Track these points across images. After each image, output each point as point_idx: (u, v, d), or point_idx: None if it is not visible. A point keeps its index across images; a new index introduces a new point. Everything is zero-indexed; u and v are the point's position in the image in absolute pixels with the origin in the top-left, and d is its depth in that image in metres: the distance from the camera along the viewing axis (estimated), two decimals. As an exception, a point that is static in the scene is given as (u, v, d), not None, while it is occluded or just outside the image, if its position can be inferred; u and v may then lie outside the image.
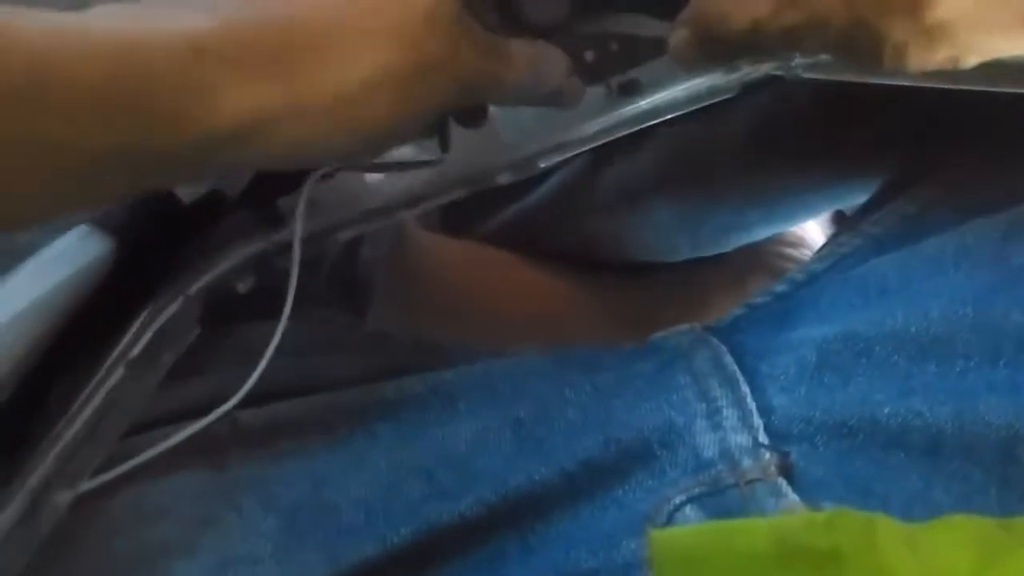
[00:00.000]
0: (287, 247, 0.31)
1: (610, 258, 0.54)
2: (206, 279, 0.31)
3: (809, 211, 0.52)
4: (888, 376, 0.28)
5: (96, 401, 0.29)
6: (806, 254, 0.55)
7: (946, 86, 0.28)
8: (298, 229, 0.31)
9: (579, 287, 0.53)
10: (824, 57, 0.31)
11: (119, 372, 0.29)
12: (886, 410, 0.27)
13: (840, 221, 0.55)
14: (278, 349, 0.33)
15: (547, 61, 0.30)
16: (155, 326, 0.29)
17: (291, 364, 0.33)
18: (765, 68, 0.33)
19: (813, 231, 0.57)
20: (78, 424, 0.28)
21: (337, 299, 0.43)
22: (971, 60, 0.23)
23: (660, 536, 0.23)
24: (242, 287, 0.32)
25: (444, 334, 0.48)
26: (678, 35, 0.30)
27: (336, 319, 0.36)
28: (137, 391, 0.30)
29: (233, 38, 0.21)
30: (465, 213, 0.54)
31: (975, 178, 0.34)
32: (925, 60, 0.23)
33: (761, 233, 0.52)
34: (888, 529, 0.23)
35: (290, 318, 0.36)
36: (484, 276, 0.52)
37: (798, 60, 0.33)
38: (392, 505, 0.30)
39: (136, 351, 0.30)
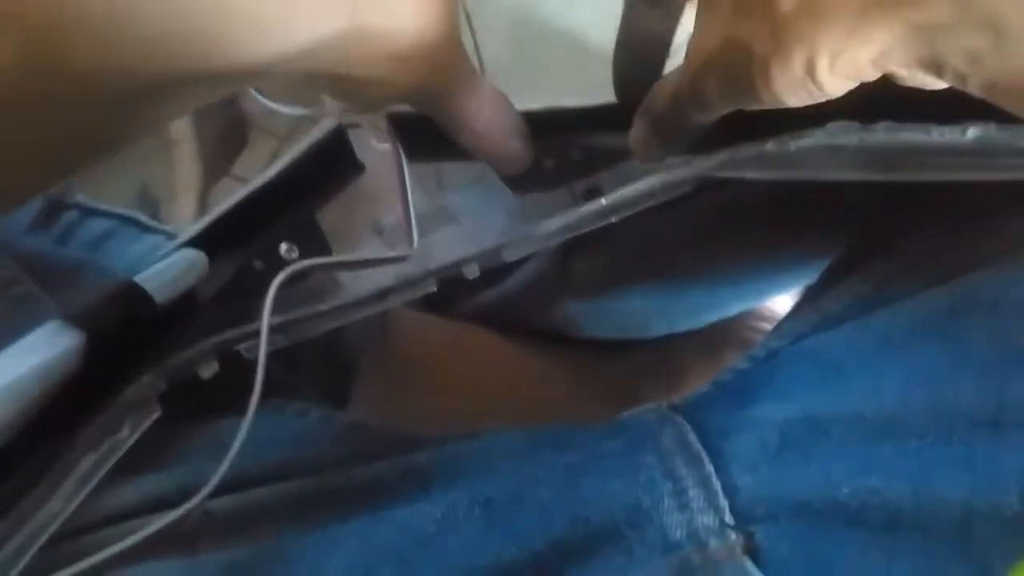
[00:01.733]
0: (254, 336, 0.32)
1: (586, 336, 0.55)
2: (170, 361, 0.31)
3: (778, 289, 0.53)
4: (847, 456, 0.28)
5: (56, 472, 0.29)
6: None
7: (888, 179, 0.29)
8: (265, 316, 0.32)
9: (557, 364, 0.54)
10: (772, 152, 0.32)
11: (76, 447, 0.30)
12: (845, 489, 0.27)
13: (810, 287, 0.56)
14: (251, 441, 0.34)
15: (508, 112, 0.31)
16: (116, 403, 0.30)
17: (265, 456, 0.34)
18: (713, 165, 0.34)
19: (784, 306, 0.58)
20: (31, 496, 0.29)
21: (320, 387, 0.43)
22: (824, 66, 0.23)
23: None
24: (205, 373, 0.33)
25: (429, 414, 0.48)
26: (633, 127, 0.31)
27: (312, 411, 0.37)
28: (94, 465, 0.30)
29: None
30: (447, 295, 0.55)
31: (926, 252, 0.34)
32: (786, 73, 0.23)
33: (733, 310, 0.53)
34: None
35: (262, 411, 0.37)
36: (467, 350, 0.53)
37: (749, 154, 0.34)
38: None
39: (94, 426, 0.30)
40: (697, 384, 0.53)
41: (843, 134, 0.28)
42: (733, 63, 0.24)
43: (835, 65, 0.23)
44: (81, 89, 0.20)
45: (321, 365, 0.45)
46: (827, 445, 0.29)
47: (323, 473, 0.33)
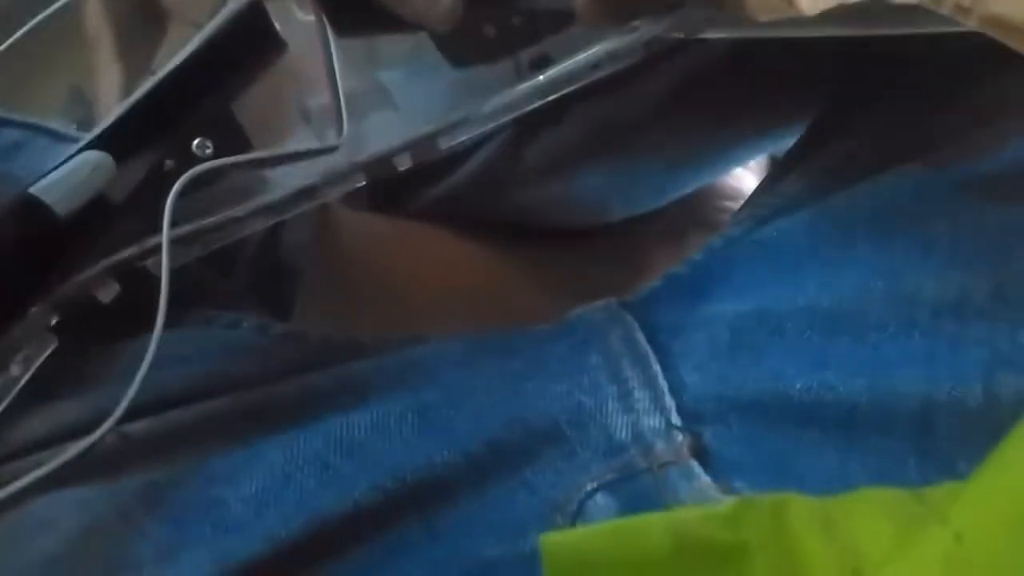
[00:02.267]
0: (157, 250, 0.30)
1: (543, 225, 0.53)
2: (62, 290, 0.29)
3: (739, 161, 0.51)
4: (801, 352, 0.27)
5: None
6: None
7: (848, 33, 0.27)
8: (165, 228, 0.29)
9: (513, 257, 0.52)
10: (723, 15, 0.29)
11: None
12: (798, 385, 0.26)
13: (773, 167, 0.54)
14: (173, 358, 0.32)
15: None
16: (3, 340, 0.28)
17: (189, 372, 0.32)
18: (662, 28, 0.31)
19: (749, 181, 0.56)
20: None
21: (257, 294, 0.41)
22: None
23: (551, 540, 0.22)
24: (104, 297, 0.30)
25: (376, 318, 0.46)
26: None
27: (244, 322, 0.35)
28: None
29: None
30: (392, 191, 0.53)
31: (889, 127, 0.32)
32: None
33: (693, 186, 0.51)
34: (800, 510, 0.22)
35: (189, 324, 0.35)
36: (415, 251, 0.51)
37: (698, 17, 0.31)
38: (284, 498, 0.28)
39: None
40: (660, 268, 0.52)
41: None
42: None
43: None
44: None
45: (258, 271, 0.43)
46: (780, 341, 0.27)
47: (251, 388, 0.31)
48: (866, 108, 0.34)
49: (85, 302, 0.30)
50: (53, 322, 0.30)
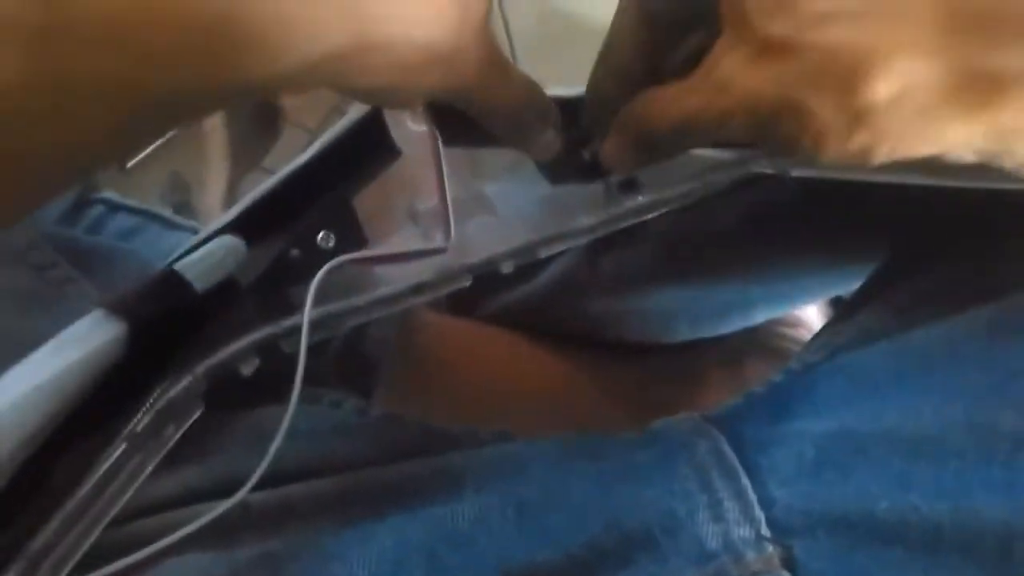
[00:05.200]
0: (294, 331, 0.32)
1: (609, 338, 0.54)
2: (212, 360, 0.31)
3: (807, 295, 0.52)
4: (885, 473, 0.28)
5: (98, 474, 0.29)
6: (804, 335, 0.56)
7: (927, 183, 0.29)
8: (306, 313, 0.32)
9: (580, 365, 0.53)
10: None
11: (121, 446, 0.30)
12: (884, 505, 0.27)
13: (838, 305, 0.56)
14: (289, 432, 0.34)
15: (539, 99, 0.31)
16: (160, 402, 0.30)
17: (302, 447, 0.34)
18: (755, 166, 0.34)
19: (811, 313, 0.58)
20: (79, 495, 0.29)
21: (344, 380, 0.43)
22: (883, 154, 0.23)
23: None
24: (246, 370, 0.33)
25: (449, 415, 0.48)
26: (610, 142, 0.31)
27: (345, 403, 0.37)
28: (139, 464, 0.30)
29: None
30: (470, 294, 0.55)
31: (964, 270, 0.34)
32: (840, 149, 0.23)
33: (760, 315, 0.53)
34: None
35: (300, 401, 0.37)
36: (489, 354, 0.53)
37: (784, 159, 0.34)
38: None
39: (140, 426, 0.30)
40: (718, 392, 0.53)
41: None
42: (780, 118, 0.24)
43: (896, 152, 0.24)
44: (88, 98, 0.20)
45: (346, 357, 0.45)
46: (865, 461, 0.29)
47: (358, 469, 0.33)
48: (943, 248, 0.37)
49: (231, 374, 0.32)
50: (203, 389, 0.32)
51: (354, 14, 0.22)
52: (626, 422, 0.37)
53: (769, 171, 0.35)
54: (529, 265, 0.40)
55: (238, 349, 0.32)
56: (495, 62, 0.28)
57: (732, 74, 0.25)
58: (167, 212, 0.49)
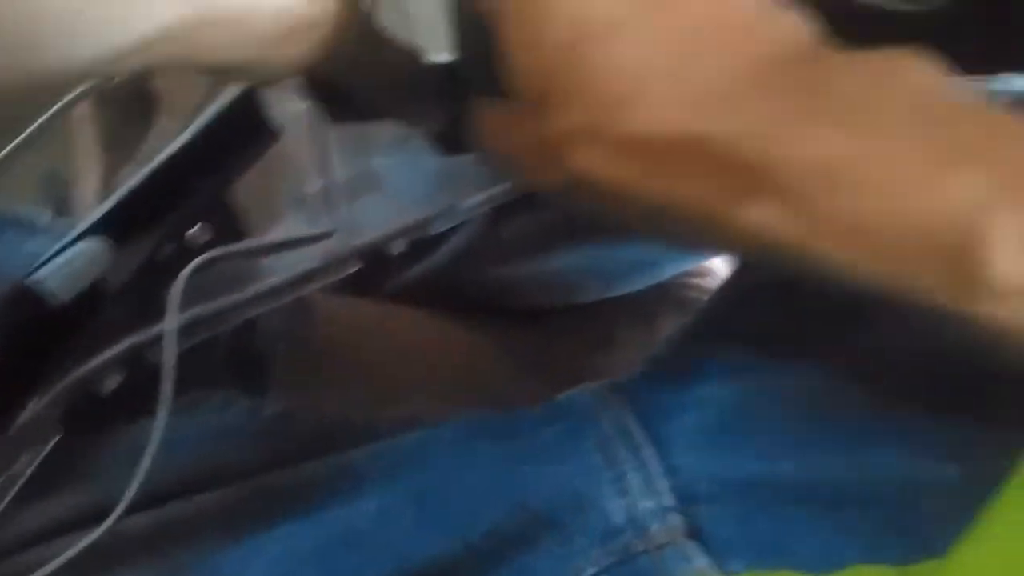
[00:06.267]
0: (160, 339, 0.30)
1: (520, 305, 0.54)
2: (66, 380, 0.29)
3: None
4: (787, 434, 0.28)
5: None
6: (710, 282, 0.56)
7: None
8: (171, 318, 0.30)
9: (488, 339, 0.52)
10: None
11: None
12: (786, 466, 0.27)
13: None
14: (168, 444, 0.32)
15: (422, 65, 0.29)
16: (11, 431, 0.28)
17: (184, 460, 0.32)
18: None
19: (719, 261, 0.58)
20: None
21: (237, 379, 0.41)
22: None
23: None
24: (108, 386, 0.31)
25: (354, 401, 0.47)
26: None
27: (235, 404, 0.35)
28: None
29: None
30: (370, 273, 0.53)
31: None
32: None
33: (670, 268, 0.53)
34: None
35: (180, 409, 0.35)
36: (392, 333, 0.51)
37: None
38: None
39: None
40: (632, 352, 0.53)
41: None
42: None
43: None
44: None
45: (236, 353, 0.43)
46: (767, 423, 0.29)
47: (249, 477, 0.31)
48: None
49: (89, 393, 0.30)
50: (57, 415, 0.30)
51: None
52: (538, 389, 0.36)
53: None
54: (427, 240, 0.38)
55: (97, 365, 0.30)
56: (365, 28, 0.26)
57: None
58: (35, 213, 0.46)
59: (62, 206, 0.59)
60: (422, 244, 0.37)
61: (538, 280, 0.52)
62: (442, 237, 0.51)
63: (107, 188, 0.58)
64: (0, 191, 0.52)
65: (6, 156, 0.45)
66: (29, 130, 0.45)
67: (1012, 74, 0.28)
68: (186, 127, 0.37)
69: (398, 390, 0.47)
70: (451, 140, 0.37)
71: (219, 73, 0.26)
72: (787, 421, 0.28)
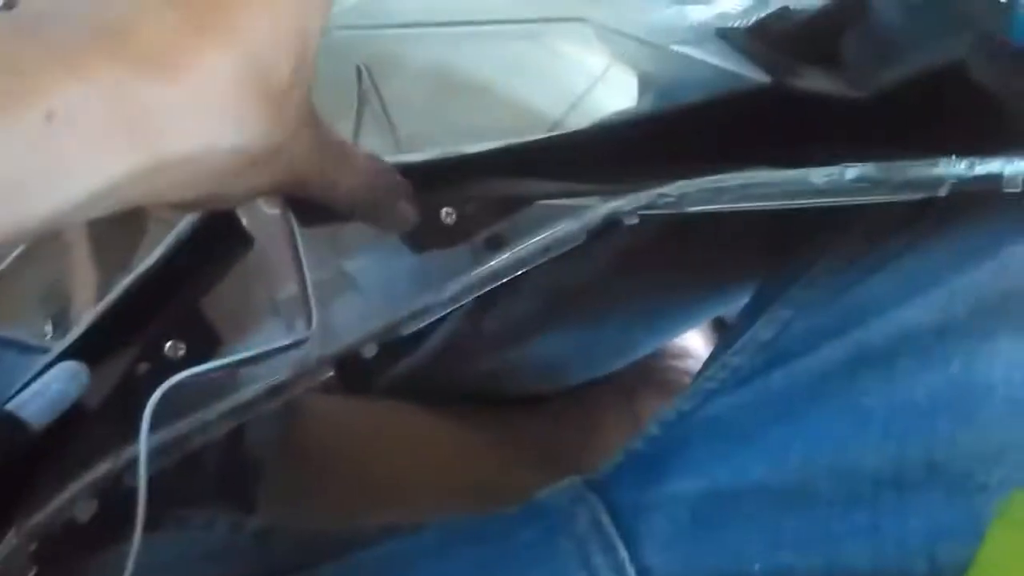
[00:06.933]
0: (133, 462, 0.30)
1: (506, 393, 0.54)
2: (39, 515, 0.29)
3: (688, 324, 0.53)
4: (757, 531, 0.28)
5: None
6: (691, 365, 0.57)
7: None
8: (143, 446, 0.30)
9: (480, 425, 0.53)
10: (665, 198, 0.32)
11: None
12: (757, 566, 0.27)
13: (720, 328, 0.57)
14: (150, 567, 0.31)
15: (387, 176, 0.31)
16: None
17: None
18: (602, 212, 0.34)
19: (696, 341, 0.59)
20: None
21: (224, 493, 0.41)
22: None
23: None
24: (83, 515, 0.30)
25: (346, 506, 0.46)
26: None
27: (218, 522, 0.35)
28: None
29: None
30: (358, 371, 0.54)
31: (823, 295, 0.34)
32: None
33: (648, 348, 0.53)
34: None
35: (165, 528, 0.35)
36: (379, 430, 0.51)
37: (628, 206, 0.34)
38: None
39: None
40: (616, 434, 0.53)
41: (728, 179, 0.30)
42: None
43: None
44: None
45: (222, 464, 0.43)
46: (737, 519, 0.29)
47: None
48: (797, 276, 0.37)
49: (64, 524, 0.30)
50: (32, 549, 0.29)
51: (140, 137, 0.20)
52: (531, 476, 0.36)
53: (623, 213, 0.35)
54: (410, 338, 0.38)
55: (68, 497, 0.30)
56: (328, 147, 0.27)
57: None
58: (30, 335, 0.46)
59: (61, 318, 0.60)
60: (395, 344, 0.38)
61: (521, 368, 0.52)
62: (426, 331, 0.51)
63: (103, 298, 0.58)
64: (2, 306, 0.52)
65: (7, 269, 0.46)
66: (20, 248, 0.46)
67: (949, 158, 0.28)
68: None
69: (394, 488, 0.47)
70: (424, 236, 0.38)
71: (186, 208, 0.27)
72: (757, 518, 0.28)
